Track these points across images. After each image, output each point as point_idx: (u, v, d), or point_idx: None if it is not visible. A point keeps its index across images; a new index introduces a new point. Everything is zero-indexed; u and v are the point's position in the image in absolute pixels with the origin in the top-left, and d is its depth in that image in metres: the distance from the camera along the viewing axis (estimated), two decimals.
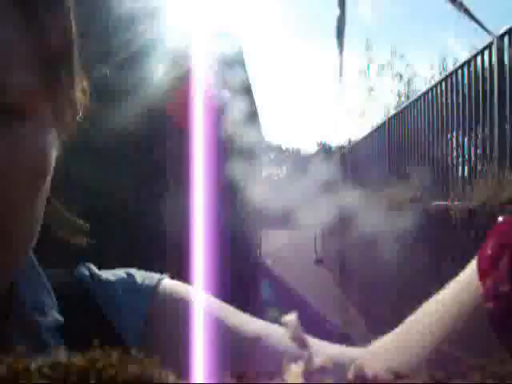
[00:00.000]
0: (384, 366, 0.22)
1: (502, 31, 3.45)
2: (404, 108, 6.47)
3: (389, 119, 7.36)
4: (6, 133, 0.39)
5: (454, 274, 0.46)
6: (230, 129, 3.97)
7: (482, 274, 0.40)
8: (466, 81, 4.29)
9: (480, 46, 3.88)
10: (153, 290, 0.54)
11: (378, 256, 5.93)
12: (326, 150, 24.51)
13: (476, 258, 0.42)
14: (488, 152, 3.70)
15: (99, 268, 0.58)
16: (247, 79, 5.67)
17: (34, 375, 0.13)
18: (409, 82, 15.68)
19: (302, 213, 8.50)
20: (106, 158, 1.65)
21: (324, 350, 0.51)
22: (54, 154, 0.44)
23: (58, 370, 0.14)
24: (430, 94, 5.30)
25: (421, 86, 14.60)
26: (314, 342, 0.50)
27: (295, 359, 0.22)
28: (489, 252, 0.40)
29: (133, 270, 0.57)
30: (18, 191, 0.40)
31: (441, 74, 13.82)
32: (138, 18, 1.93)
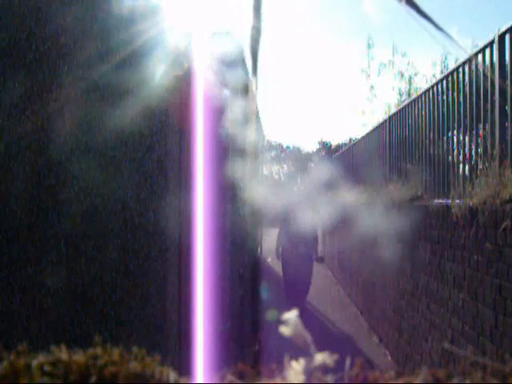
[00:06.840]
0: None
1: (503, 29, 3.45)
2: (405, 106, 6.47)
3: (390, 117, 7.36)
4: None
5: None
6: (230, 128, 3.97)
7: None
8: (466, 79, 4.28)
9: (481, 44, 3.88)
10: None
11: (379, 254, 5.93)
12: (326, 149, 24.49)
13: None
14: (489, 150, 3.69)
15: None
16: (247, 79, 5.67)
17: (35, 372, 0.13)
18: (410, 80, 15.69)
19: (303, 211, 8.49)
20: (106, 157, 1.65)
21: None
22: None
23: (58, 367, 0.14)
24: (431, 92, 5.29)
25: (422, 84, 14.60)
26: None
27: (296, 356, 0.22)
28: None
29: None
30: None
31: (442, 72, 13.81)
32: (138, 18, 1.93)
